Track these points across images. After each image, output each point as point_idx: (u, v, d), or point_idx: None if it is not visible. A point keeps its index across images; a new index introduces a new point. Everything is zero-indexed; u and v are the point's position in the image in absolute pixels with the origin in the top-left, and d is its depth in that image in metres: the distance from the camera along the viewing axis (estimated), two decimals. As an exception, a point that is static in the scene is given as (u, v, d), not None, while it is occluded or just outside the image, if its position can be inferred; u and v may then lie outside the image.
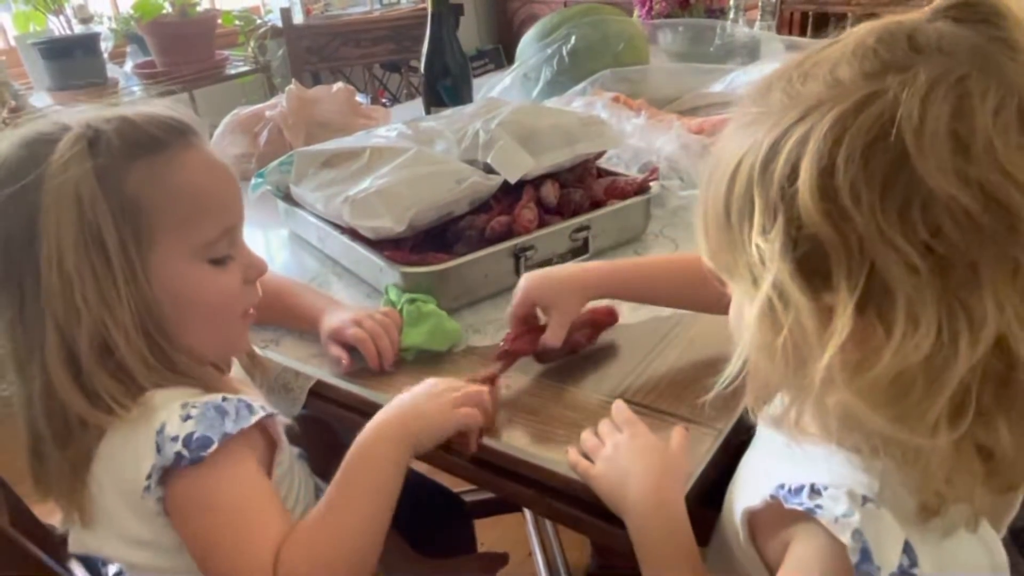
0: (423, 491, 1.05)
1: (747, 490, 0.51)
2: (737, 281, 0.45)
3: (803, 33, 2.20)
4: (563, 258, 0.92)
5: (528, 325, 0.75)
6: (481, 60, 3.56)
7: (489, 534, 1.30)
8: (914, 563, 0.41)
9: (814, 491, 0.44)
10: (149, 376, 0.58)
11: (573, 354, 0.76)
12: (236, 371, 0.72)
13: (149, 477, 0.56)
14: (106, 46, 2.34)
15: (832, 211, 0.38)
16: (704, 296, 0.70)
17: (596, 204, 0.96)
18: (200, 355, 0.63)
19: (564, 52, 1.34)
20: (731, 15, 1.71)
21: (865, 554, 0.41)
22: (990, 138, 0.36)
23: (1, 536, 0.67)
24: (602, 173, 1.03)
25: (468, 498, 1.16)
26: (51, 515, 0.74)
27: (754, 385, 0.46)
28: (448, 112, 1.11)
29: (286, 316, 0.83)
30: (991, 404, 0.39)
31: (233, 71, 2.57)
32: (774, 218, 0.40)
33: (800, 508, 0.44)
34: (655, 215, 1.01)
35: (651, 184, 0.98)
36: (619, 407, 0.65)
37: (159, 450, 0.56)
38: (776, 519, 0.47)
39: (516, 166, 0.90)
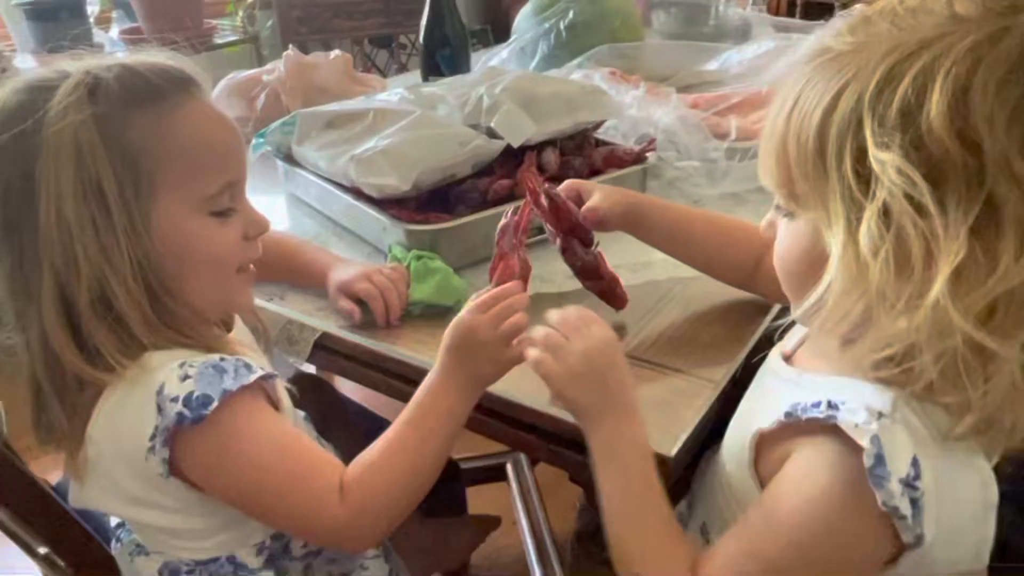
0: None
1: (754, 421, 0.54)
2: (815, 208, 0.47)
3: (791, 17, 2.23)
4: (562, 223, 0.94)
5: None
6: (470, 40, 3.56)
7: (473, 503, 1.33)
8: (918, 476, 0.44)
9: (831, 405, 0.46)
10: (147, 332, 0.58)
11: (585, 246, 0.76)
12: (243, 334, 0.72)
13: (153, 438, 0.56)
14: (92, 11, 2.31)
15: (964, 132, 0.40)
16: (731, 260, 0.74)
17: (594, 172, 0.98)
18: (200, 310, 0.63)
19: (562, 27, 1.36)
20: (724, -3, 1.73)
21: (879, 459, 0.43)
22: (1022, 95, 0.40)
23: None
24: (599, 143, 1.05)
25: (455, 466, 1.18)
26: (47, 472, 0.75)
27: (833, 317, 0.46)
28: (447, 80, 1.13)
29: (292, 272, 0.84)
30: None
31: (220, 40, 2.55)
32: (891, 137, 0.42)
33: (820, 416, 0.46)
34: (651, 186, 1.03)
35: (648, 155, 1.01)
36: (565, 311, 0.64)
37: (160, 411, 0.56)
38: (783, 438, 0.50)
39: (519, 131, 0.91)
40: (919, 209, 0.42)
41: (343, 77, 1.37)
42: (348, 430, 0.85)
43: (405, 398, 0.74)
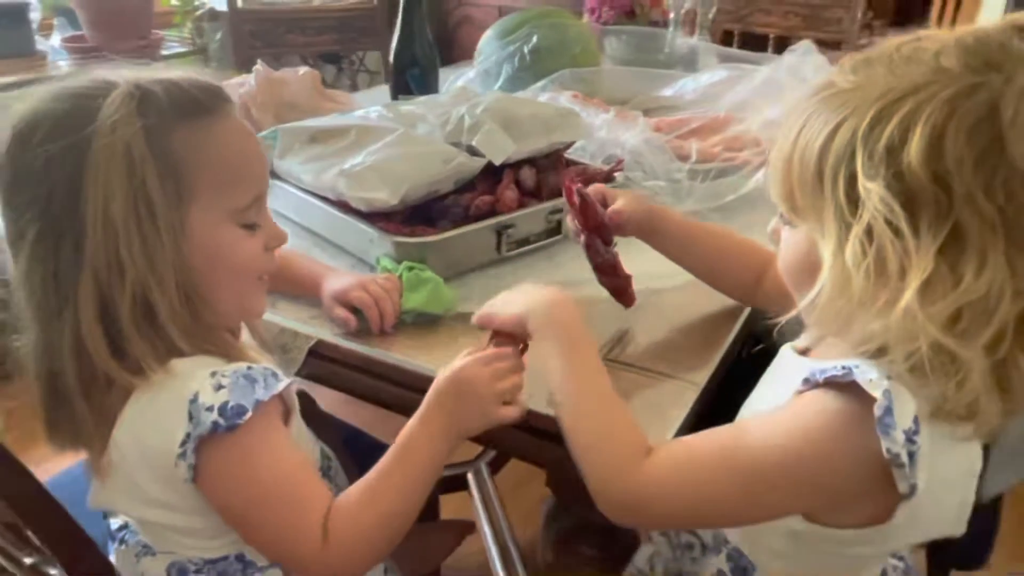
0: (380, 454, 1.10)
1: (772, 400, 0.60)
2: (811, 221, 0.54)
3: (729, 47, 2.36)
4: (539, 237, 0.99)
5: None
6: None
7: (436, 513, 1.36)
8: (917, 432, 0.50)
9: (844, 368, 0.52)
10: (181, 337, 0.60)
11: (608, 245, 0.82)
12: (245, 337, 0.75)
13: (183, 445, 0.58)
14: (34, 17, 2.26)
15: (937, 171, 0.47)
16: (736, 275, 0.82)
17: (568, 189, 1.04)
18: (223, 317, 0.65)
19: (525, 51, 1.42)
20: (672, 27, 1.83)
21: (888, 410, 0.50)
22: (990, 143, 0.47)
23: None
24: (569, 163, 1.11)
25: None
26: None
27: (824, 316, 0.53)
28: (422, 99, 1.17)
29: (285, 282, 0.86)
30: (1019, 342, 0.49)
31: (167, 52, 2.52)
32: (877, 170, 0.49)
33: (838, 373, 0.52)
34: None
35: (616, 175, 1.07)
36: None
37: (192, 418, 0.58)
38: None
39: (500, 150, 0.96)
40: (896, 231, 0.48)
41: (312, 93, 1.39)
42: (331, 444, 0.87)
43: (397, 401, 0.78)
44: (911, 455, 0.50)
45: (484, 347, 0.70)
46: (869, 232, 0.49)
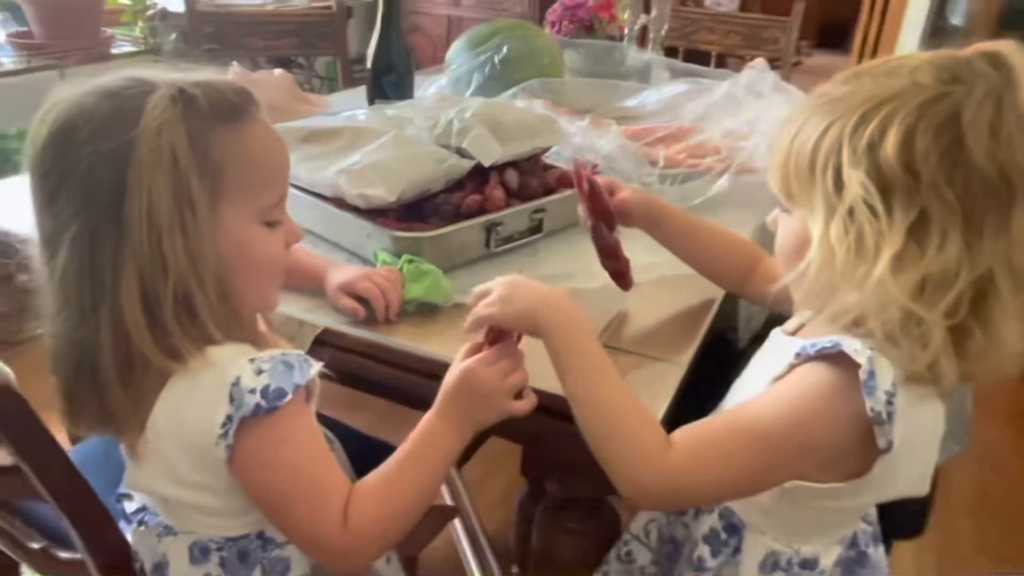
0: (369, 447, 1.13)
1: (766, 375, 0.67)
2: (804, 206, 0.63)
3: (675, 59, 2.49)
4: (523, 234, 1.06)
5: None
6: (361, 64, 3.63)
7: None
8: (895, 395, 0.59)
9: (833, 342, 0.61)
10: (216, 327, 0.62)
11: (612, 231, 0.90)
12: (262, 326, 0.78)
13: (224, 426, 0.61)
14: (-21, 12, 2.20)
15: (908, 163, 0.57)
16: (728, 267, 0.91)
17: (548, 191, 1.11)
18: (247, 308, 0.69)
19: (496, 60, 1.48)
20: (627, 42, 1.93)
21: (871, 375, 0.58)
22: (1011, 134, 0.56)
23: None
24: (546, 167, 1.18)
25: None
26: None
27: (812, 288, 0.62)
28: (404, 103, 1.23)
29: (290, 274, 0.90)
30: (973, 313, 0.58)
31: (117, 51, 2.49)
32: (859, 161, 0.58)
33: (827, 345, 0.60)
34: (592, 205, 1.17)
35: (592, 177, 1.15)
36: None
37: (233, 400, 0.61)
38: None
39: (489, 152, 1.02)
40: (873, 212, 0.58)
41: (288, 95, 1.43)
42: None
43: (402, 385, 0.84)
44: (890, 414, 0.58)
45: (482, 341, 0.73)
46: (851, 213, 0.58)
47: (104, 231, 0.60)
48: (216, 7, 2.87)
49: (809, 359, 0.63)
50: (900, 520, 1.15)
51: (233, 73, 1.38)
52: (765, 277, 0.83)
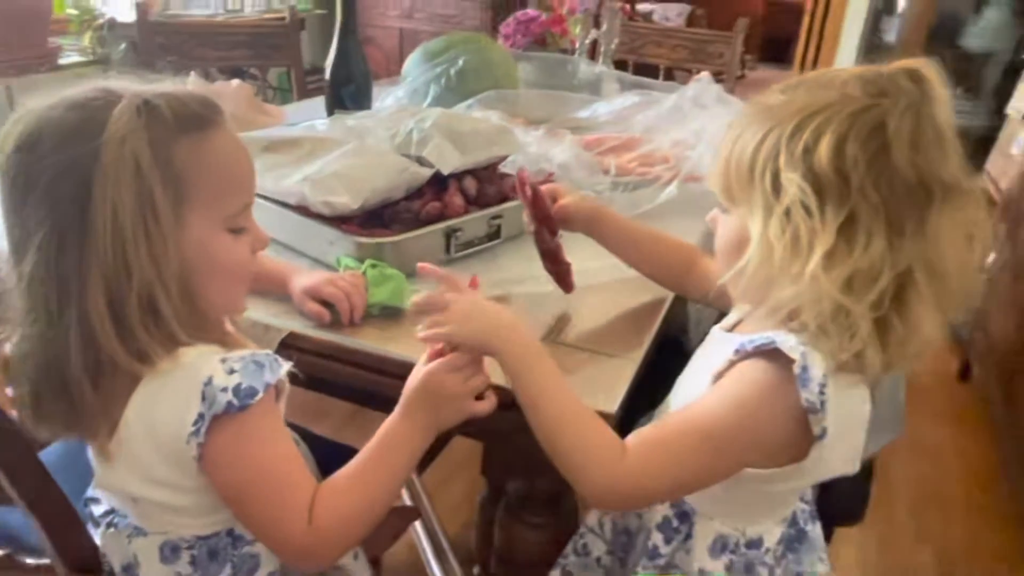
0: (333, 452, 1.15)
1: (708, 370, 0.72)
2: (744, 207, 0.67)
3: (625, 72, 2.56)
4: (482, 240, 1.09)
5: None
6: (315, 76, 3.64)
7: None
8: (826, 385, 0.64)
9: (768, 338, 0.65)
10: (183, 331, 0.64)
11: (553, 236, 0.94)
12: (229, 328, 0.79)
13: (196, 424, 0.63)
14: (-80, 20, 2.16)
15: (839, 167, 0.62)
16: (668, 267, 0.96)
17: (504, 199, 1.15)
18: (213, 313, 0.70)
19: (452, 72, 1.52)
20: (578, 55, 1.99)
21: (804, 368, 0.63)
22: (928, 144, 0.62)
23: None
24: (503, 175, 1.22)
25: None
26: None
27: (751, 283, 0.67)
28: (362, 113, 1.25)
29: (255, 280, 0.91)
30: (895, 306, 0.63)
31: (65, 61, 2.46)
32: (796, 165, 0.63)
33: (764, 342, 0.65)
34: (547, 212, 1.21)
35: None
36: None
37: (205, 399, 0.63)
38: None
39: (448, 161, 1.06)
40: (808, 212, 0.63)
41: (246, 105, 1.44)
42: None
43: (367, 385, 0.86)
44: (823, 403, 0.64)
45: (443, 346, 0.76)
46: (788, 213, 0.63)
47: (70, 238, 0.61)
48: (167, 17, 2.86)
49: (747, 355, 0.67)
50: (841, 507, 1.21)
51: (191, 84, 1.39)
52: (703, 275, 0.89)
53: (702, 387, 0.72)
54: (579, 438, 0.69)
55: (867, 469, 1.20)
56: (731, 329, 0.78)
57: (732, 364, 0.69)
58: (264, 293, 0.93)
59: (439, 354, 0.76)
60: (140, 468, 0.67)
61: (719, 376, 0.70)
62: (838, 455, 0.70)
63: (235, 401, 0.63)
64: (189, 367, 0.64)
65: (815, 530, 0.83)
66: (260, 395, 0.64)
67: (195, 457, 0.64)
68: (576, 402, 0.71)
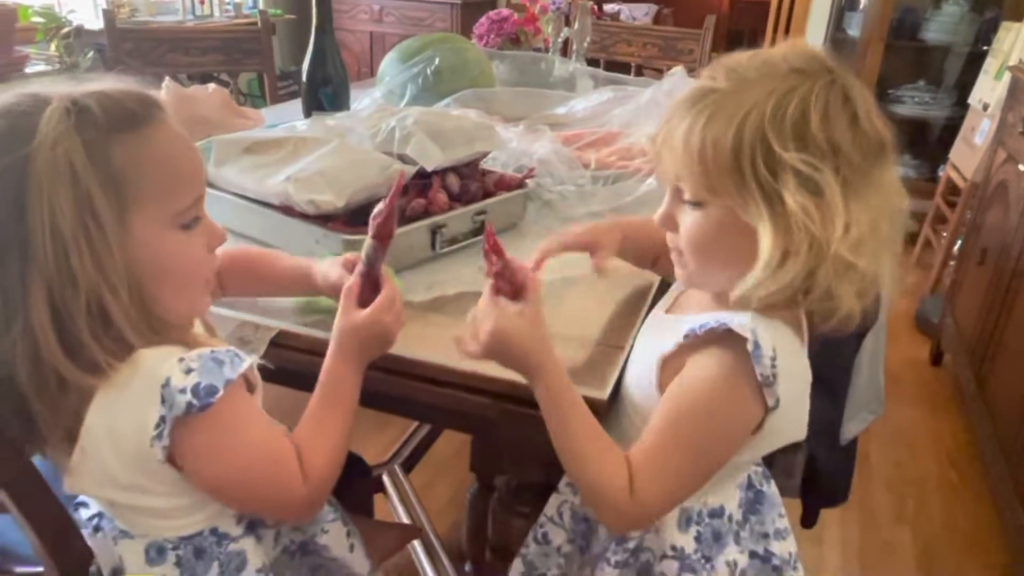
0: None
1: (653, 353, 0.74)
2: (731, 197, 0.66)
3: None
4: (467, 236, 1.10)
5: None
6: (286, 81, 3.62)
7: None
8: (776, 358, 0.66)
9: (718, 321, 0.67)
10: (137, 336, 0.62)
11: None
12: (198, 329, 0.78)
13: (158, 427, 0.61)
14: None
15: (829, 137, 0.64)
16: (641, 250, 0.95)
17: (488, 194, 1.16)
18: (171, 317, 0.68)
19: (429, 72, 1.53)
20: (552, 53, 2.00)
21: (757, 345, 0.65)
22: (872, 106, 0.66)
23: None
24: (485, 172, 1.23)
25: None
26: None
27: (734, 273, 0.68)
28: (342, 114, 1.26)
29: (265, 282, 0.89)
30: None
31: (32, 70, 2.42)
32: (788, 144, 0.63)
33: (715, 326, 0.67)
34: (530, 207, 1.22)
35: (528, 181, 1.20)
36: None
37: (164, 401, 0.61)
38: (680, 356, 0.71)
39: (430, 158, 1.07)
40: (817, 187, 0.64)
41: (223, 109, 1.43)
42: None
43: (367, 383, 0.86)
44: (775, 375, 0.66)
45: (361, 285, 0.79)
46: (800, 191, 0.64)
47: (9, 249, 0.59)
48: (135, 24, 2.82)
49: (698, 340, 0.69)
50: (828, 489, 1.24)
51: (167, 89, 1.38)
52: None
53: (650, 372, 0.74)
54: (592, 470, 0.71)
55: (851, 450, 1.23)
56: (668, 310, 0.81)
57: (681, 348, 0.71)
58: (289, 293, 0.92)
59: (360, 295, 0.78)
60: (107, 474, 0.65)
61: (667, 360, 0.73)
62: (790, 421, 0.72)
63: (195, 401, 0.62)
64: (146, 369, 0.62)
65: (771, 488, 0.85)
66: (221, 393, 0.63)
67: (161, 460, 0.63)
68: (593, 433, 0.72)
